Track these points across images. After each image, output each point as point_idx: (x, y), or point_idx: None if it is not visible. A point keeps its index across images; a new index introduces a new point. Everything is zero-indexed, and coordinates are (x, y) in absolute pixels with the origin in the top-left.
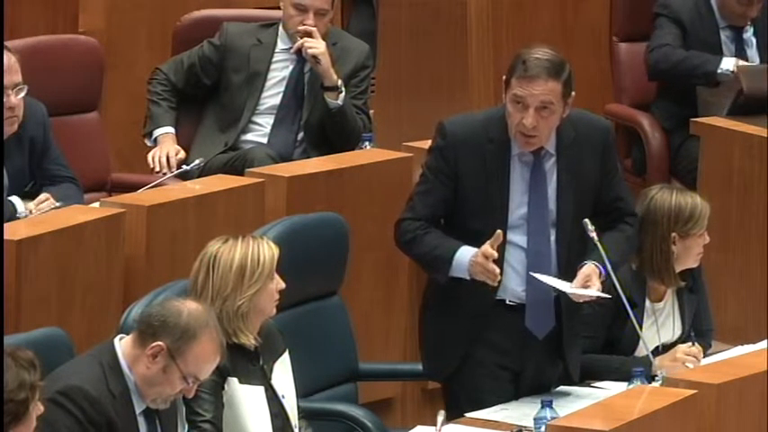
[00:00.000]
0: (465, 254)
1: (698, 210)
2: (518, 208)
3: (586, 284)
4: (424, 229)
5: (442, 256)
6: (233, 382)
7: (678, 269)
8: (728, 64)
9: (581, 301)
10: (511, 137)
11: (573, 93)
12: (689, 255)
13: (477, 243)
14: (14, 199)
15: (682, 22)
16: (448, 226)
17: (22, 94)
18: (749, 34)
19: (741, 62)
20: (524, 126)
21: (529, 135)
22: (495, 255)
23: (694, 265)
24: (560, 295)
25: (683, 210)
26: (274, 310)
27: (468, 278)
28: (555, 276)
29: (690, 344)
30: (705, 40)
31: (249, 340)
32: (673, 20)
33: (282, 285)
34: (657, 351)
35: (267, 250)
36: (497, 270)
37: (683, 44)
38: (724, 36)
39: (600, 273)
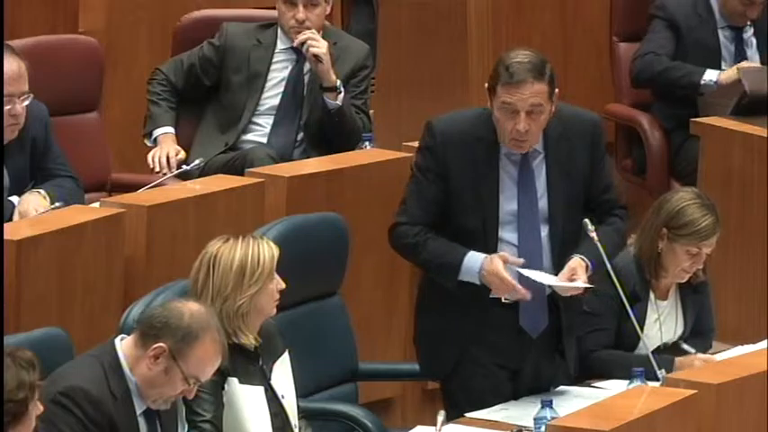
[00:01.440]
0: (474, 259)
1: (695, 224)
2: (508, 206)
3: (572, 278)
4: (423, 235)
5: (450, 263)
6: (233, 382)
7: (662, 272)
8: (712, 75)
9: (567, 294)
10: (500, 142)
11: (557, 90)
12: (672, 263)
13: (469, 240)
14: (15, 199)
15: (677, 25)
16: (439, 223)
17: (27, 103)
18: (749, 34)
19: (744, 63)
20: (518, 132)
21: (522, 139)
22: (514, 284)
23: (677, 281)
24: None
25: (684, 215)
26: (274, 310)
27: (478, 283)
28: (548, 272)
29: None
30: (703, 42)
31: (249, 340)
32: (667, 23)
33: (282, 285)
34: (659, 350)
35: (267, 250)
36: (515, 284)
37: (675, 48)
38: (723, 36)
39: (587, 267)
